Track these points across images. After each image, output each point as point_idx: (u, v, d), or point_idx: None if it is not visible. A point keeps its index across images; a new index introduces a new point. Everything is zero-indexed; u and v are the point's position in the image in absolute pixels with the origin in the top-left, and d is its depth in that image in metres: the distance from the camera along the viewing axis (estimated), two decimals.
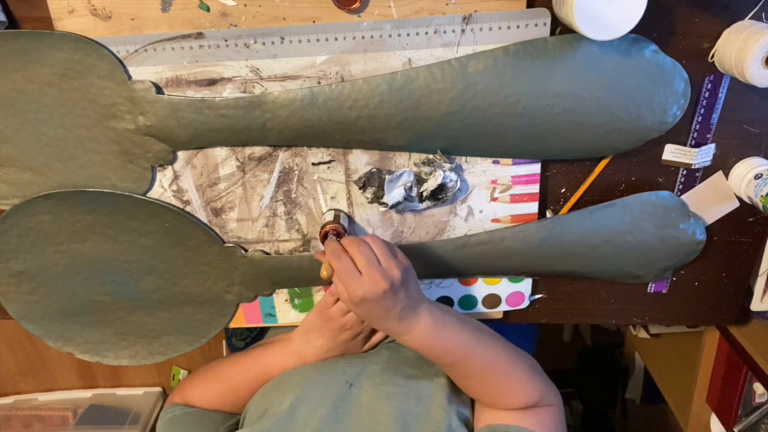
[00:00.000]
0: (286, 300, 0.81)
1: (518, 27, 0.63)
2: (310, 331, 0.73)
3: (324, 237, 0.70)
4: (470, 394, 0.69)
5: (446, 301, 0.82)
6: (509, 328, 0.83)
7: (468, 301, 0.82)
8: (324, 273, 0.61)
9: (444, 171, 0.70)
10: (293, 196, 0.73)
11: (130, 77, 0.66)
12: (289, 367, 0.73)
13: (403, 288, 0.61)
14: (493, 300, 0.82)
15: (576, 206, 0.75)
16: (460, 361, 0.65)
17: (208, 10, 0.63)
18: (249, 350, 0.78)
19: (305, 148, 0.70)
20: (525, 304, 0.83)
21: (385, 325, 0.63)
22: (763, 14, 0.64)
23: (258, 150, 0.70)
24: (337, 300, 0.72)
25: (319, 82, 0.66)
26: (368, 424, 0.63)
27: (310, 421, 0.63)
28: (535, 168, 0.72)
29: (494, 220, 0.75)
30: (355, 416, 0.64)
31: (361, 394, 0.67)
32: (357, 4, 0.62)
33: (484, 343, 0.67)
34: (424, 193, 0.71)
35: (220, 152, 0.70)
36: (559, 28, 0.64)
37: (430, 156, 0.70)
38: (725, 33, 0.64)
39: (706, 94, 0.68)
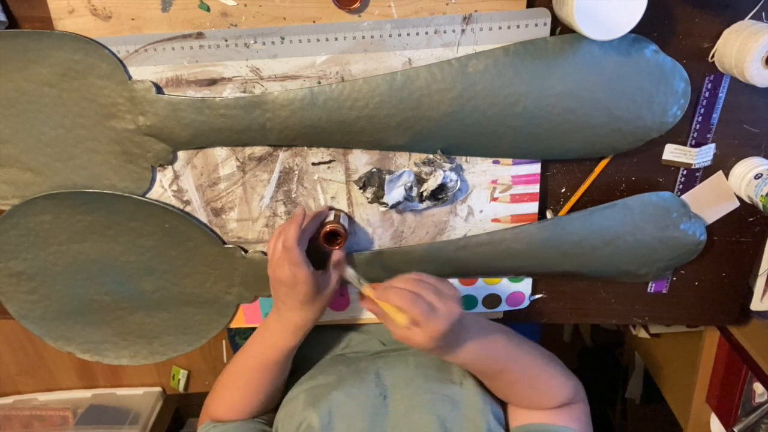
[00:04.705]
0: None
1: (518, 27, 0.63)
2: (274, 288, 0.70)
3: (324, 237, 0.70)
4: (510, 399, 0.69)
5: None
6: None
7: (468, 301, 0.82)
8: (403, 321, 0.57)
9: (444, 171, 0.70)
10: (293, 196, 0.73)
11: (130, 77, 0.66)
12: (279, 340, 0.70)
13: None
14: (493, 300, 0.82)
15: (576, 206, 0.75)
16: (508, 368, 0.65)
17: (208, 10, 0.63)
18: (244, 346, 0.78)
19: (305, 148, 0.70)
20: (525, 304, 0.83)
21: (453, 349, 0.62)
22: (763, 14, 0.64)
23: (258, 150, 0.70)
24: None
25: (319, 82, 0.66)
26: None
27: None
28: (535, 168, 0.72)
29: (494, 220, 0.75)
30: (393, 428, 0.64)
31: (397, 406, 0.67)
32: (357, 4, 0.62)
33: (522, 346, 0.68)
34: (424, 193, 0.71)
35: (220, 152, 0.70)
36: (559, 28, 0.64)
37: (430, 156, 0.70)
38: (725, 33, 0.64)
39: (706, 94, 0.68)
